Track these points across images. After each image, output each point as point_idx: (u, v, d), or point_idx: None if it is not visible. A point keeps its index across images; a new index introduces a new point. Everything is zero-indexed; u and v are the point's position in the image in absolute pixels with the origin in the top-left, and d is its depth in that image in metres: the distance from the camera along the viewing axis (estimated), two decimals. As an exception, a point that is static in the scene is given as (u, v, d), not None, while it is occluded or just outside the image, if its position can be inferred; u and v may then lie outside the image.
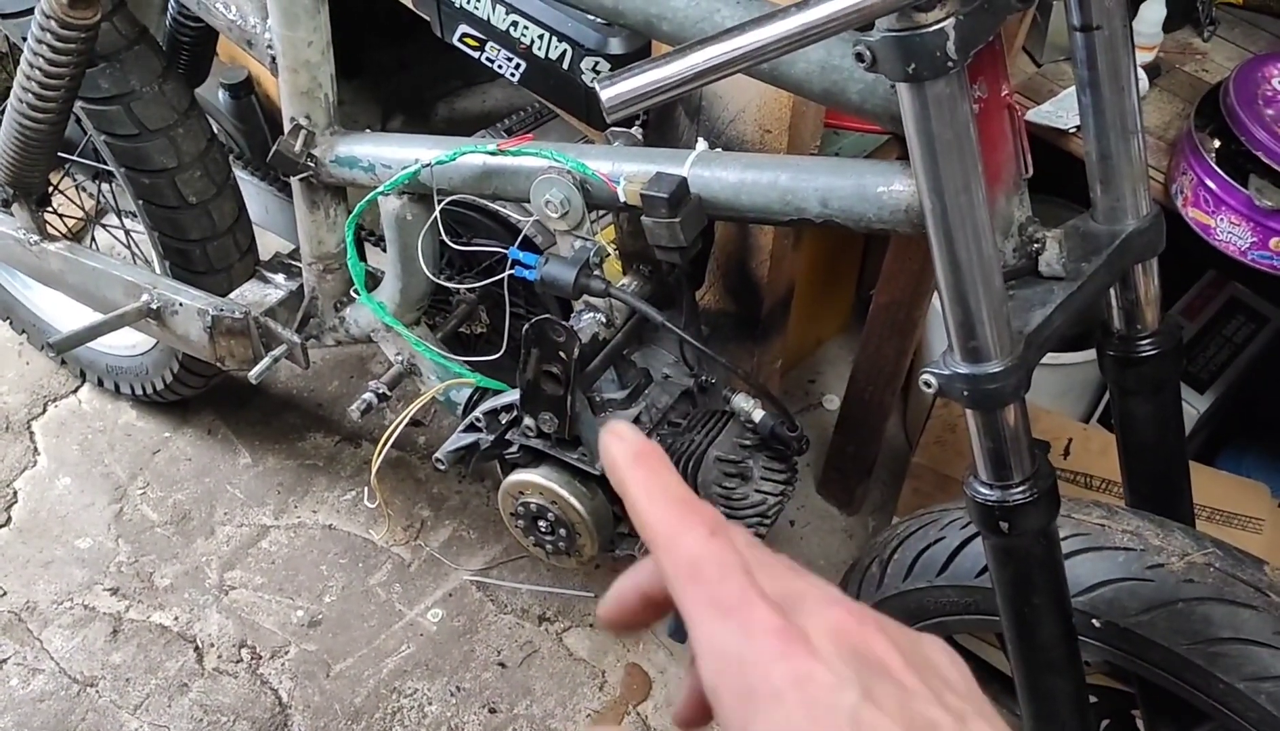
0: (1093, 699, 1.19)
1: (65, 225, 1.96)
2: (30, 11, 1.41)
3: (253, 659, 1.77)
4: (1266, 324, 1.80)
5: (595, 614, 1.83)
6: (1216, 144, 1.23)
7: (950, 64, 0.75)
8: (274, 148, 1.34)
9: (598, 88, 0.73)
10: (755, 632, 0.38)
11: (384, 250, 1.52)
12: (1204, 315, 1.80)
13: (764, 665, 0.37)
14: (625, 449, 0.42)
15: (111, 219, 1.98)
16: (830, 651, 0.38)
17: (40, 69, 1.40)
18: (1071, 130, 1.31)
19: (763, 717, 0.37)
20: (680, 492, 0.41)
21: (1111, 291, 1.03)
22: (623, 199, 1.09)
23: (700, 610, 0.39)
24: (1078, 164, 1.30)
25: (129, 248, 1.96)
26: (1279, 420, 1.76)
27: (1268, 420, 1.77)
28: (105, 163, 1.61)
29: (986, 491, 0.93)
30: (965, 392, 0.88)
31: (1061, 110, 1.33)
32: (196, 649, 1.78)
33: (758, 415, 1.25)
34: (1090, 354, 1.72)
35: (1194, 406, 1.73)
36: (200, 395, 2.03)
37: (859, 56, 0.77)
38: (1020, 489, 0.92)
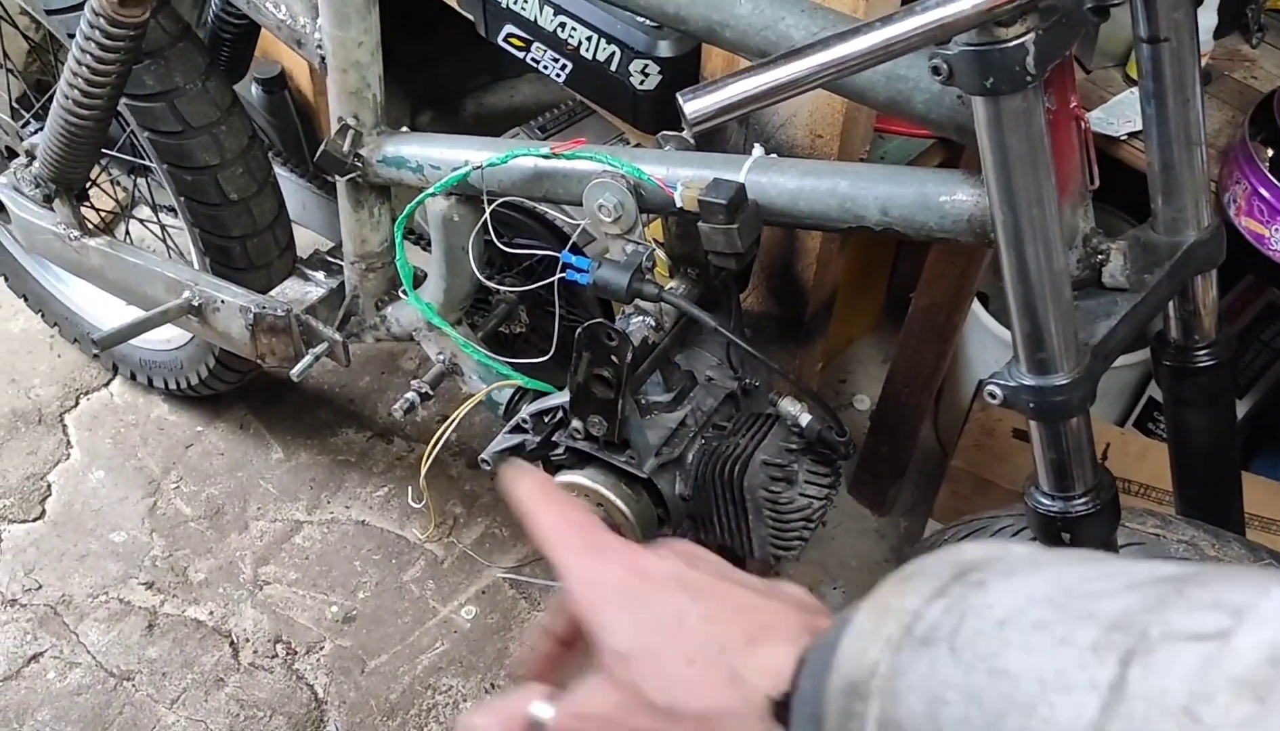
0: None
1: (98, 217, 1.97)
2: (77, 8, 1.41)
3: (288, 654, 1.78)
4: (1305, 329, 1.80)
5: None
6: (1270, 153, 1.22)
7: (1029, 79, 0.75)
8: (321, 147, 1.34)
9: (680, 100, 0.74)
10: (608, 554, 0.52)
11: (424, 249, 1.52)
12: (1242, 320, 1.80)
13: (613, 569, 0.51)
14: (515, 475, 0.58)
15: (142, 211, 1.99)
16: (665, 553, 0.53)
17: (88, 65, 1.40)
18: (1123, 137, 1.31)
19: (612, 604, 0.50)
20: (552, 492, 0.56)
21: (1170, 302, 1.03)
22: (679, 204, 1.09)
23: (568, 556, 0.53)
24: (1126, 171, 1.30)
25: (164, 242, 1.96)
26: (1317, 426, 1.76)
27: (1305, 426, 1.77)
28: (142, 157, 1.61)
29: (1048, 502, 0.93)
30: (1031, 404, 0.88)
31: (1112, 117, 1.33)
32: (232, 644, 1.79)
33: (804, 419, 1.24)
34: (1127, 358, 1.72)
35: (1232, 411, 1.72)
36: (232, 389, 2.04)
37: (935, 70, 0.77)
38: (1083, 500, 0.92)
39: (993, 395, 0.89)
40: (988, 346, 1.84)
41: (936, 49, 0.76)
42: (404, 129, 1.38)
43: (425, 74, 2.63)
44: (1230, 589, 0.35)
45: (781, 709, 0.44)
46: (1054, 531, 0.93)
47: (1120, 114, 1.33)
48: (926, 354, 1.68)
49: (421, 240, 1.65)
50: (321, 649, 1.78)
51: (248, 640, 1.79)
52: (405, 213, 1.30)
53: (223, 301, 1.57)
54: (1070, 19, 0.76)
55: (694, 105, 0.73)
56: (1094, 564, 0.40)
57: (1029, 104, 0.77)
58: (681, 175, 1.11)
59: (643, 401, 1.30)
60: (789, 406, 1.26)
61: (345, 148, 1.33)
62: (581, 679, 0.53)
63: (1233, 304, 1.81)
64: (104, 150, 1.72)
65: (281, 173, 1.82)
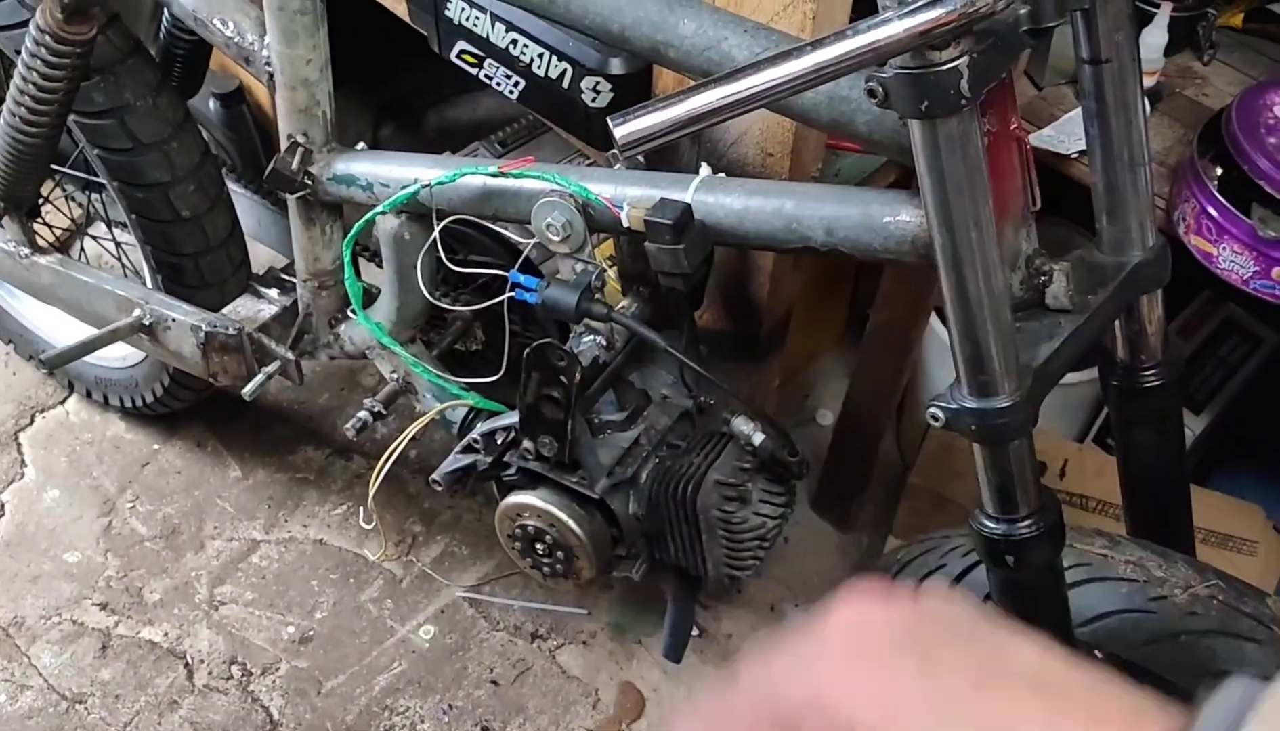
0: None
1: (52, 234, 1.95)
2: (25, 24, 1.40)
3: (243, 675, 1.75)
4: (1261, 344, 1.80)
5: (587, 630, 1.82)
6: (1219, 171, 1.23)
7: (963, 102, 0.74)
8: (271, 165, 1.32)
9: (610, 124, 0.73)
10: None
11: (378, 265, 1.51)
12: (1199, 335, 1.81)
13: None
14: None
15: (99, 228, 1.96)
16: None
17: (34, 83, 1.39)
18: (1074, 155, 1.31)
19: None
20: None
21: (1116, 322, 1.03)
22: (626, 224, 1.08)
23: None
24: (1078, 185, 1.31)
25: (118, 258, 1.94)
26: (1274, 441, 1.76)
27: (1263, 441, 1.78)
28: (96, 174, 1.60)
29: (993, 525, 0.93)
30: (973, 427, 0.88)
31: (1063, 135, 1.33)
32: (186, 665, 1.76)
33: (758, 438, 1.24)
34: (1086, 374, 1.72)
35: (1189, 427, 1.73)
36: (189, 407, 2.01)
37: (871, 92, 0.76)
38: (1026, 523, 0.92)
39: (935, 417, 0.89)
40: (947, 362, 1.83)
41: (872, 72, 0.75)
42: (360, 145, 1.37)
43: (387, 87, 2.62)
44: None
45: None
46: (999, 554, 0.93)
47: (1071, 131, 1.33)
48: (885, 370, 1.68)
49: (377, 257, 1.64)
50: (277, 670, 1.76)
51: (203, 661, 1.77)
52: (354, 231, 1.29)
53: (174, 320, 1.55)
54: (1006, 42, 0.76)
55: (624, 129, 0.72)
56: None
57: (965, 127, 0.77)
58: (629, 194, 1.10)
59: (595, 420, 1.29)
60: (742, 425, 1.25)
61: (295, 165, 1.32)
62: None
63: (1190, 319, 1.82)
64: (56, 167, 1.71)
65: (236, 189, 1.81)
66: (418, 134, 2.60)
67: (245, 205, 1.81)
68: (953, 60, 0.73)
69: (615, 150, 1.22)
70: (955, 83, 0.73)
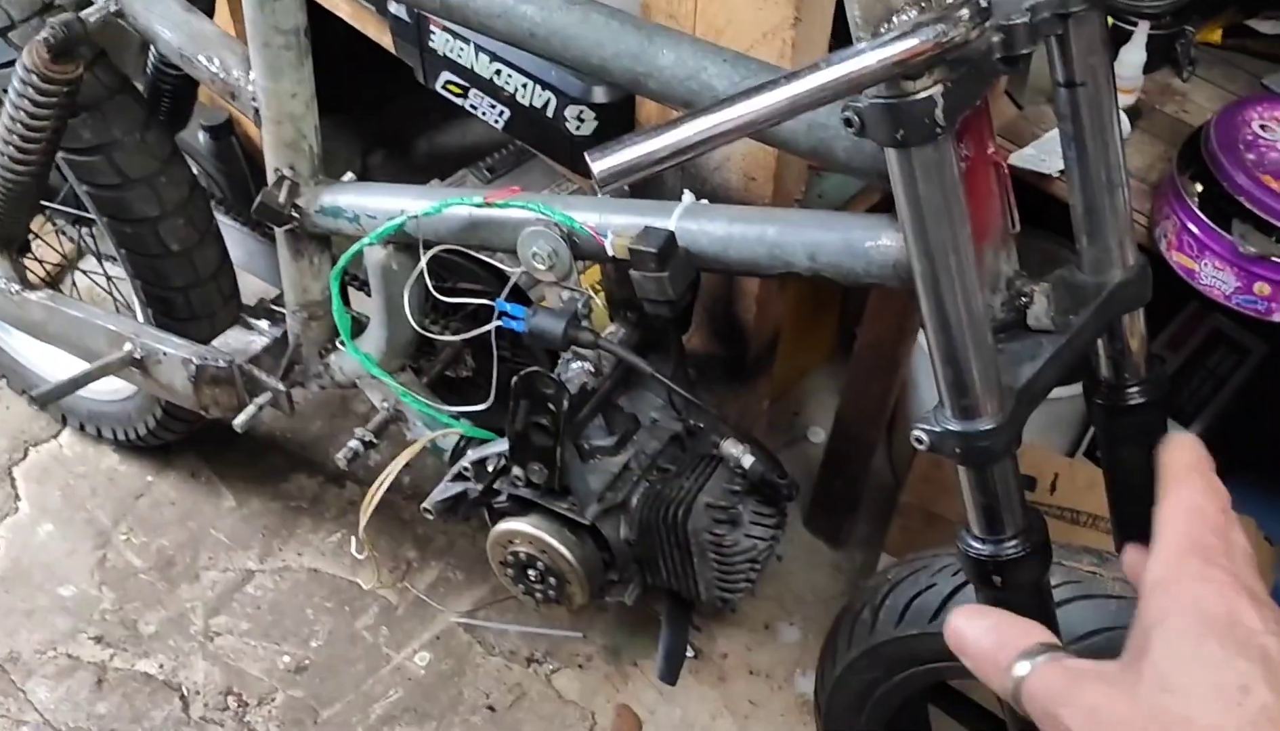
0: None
1: (43, 270, 1.96)
2: (11, 64, 1.40)
3: (239, 706, 1.75)
4: (1249, 356, 1.81)
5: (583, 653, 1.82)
6: (1199, 188, 1.24)
7: (938, 130, 0.75)
8: (258, 199, 1.33)
9: (589, 159, 0.73)
10: (1225, 587, 0.53)
11: (368, 295, 1.52)
12: (1187, 348, 1.81)
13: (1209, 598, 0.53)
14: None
15: (90, 262, 1.97)
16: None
17: (22, 122, 1.39)
18: (1055, 174, 1.32)
19: (1195, 623, 0.52)
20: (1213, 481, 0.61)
21: (1099, 341, 1.03)
22: (611, 252, 1.09)
23: (1184, 553, 0.56)
24: (1061, 200, 1.32)
25: (109, 292, 1.95)
26: (1264, 453, 1.76)
27: (1253, 452, 1.78)
28: (86, 210, 1.60)
29: (979, 546, 0.93)
30: (957, 450, 0.88)
31: (1044, 153, 1.34)
32: (182, 697, 1.76)
33: (747, 461, 1.25)
34: (1075, 388, 1.72)
35: (1178, 439, 1.73)
36: (182, 438, 2.02)
37: (847, 122, 0.77)
38: (1012, 543, 0.92)
39: (919, 441, 0.89)
40: (937, 378, 1.85)
41: (849, 101, 0.76)
42: (348, 174, 1.37)
43: (377, 115, 2.63)
44: None
45: None
46: (986, 575, 0.93)
47: (1052, 150, 1.34)
48: (874, 389, 1.69)
49: (367, 286, 1.64)
50: (273, 700, 1.76)
51: (198, 693, 1.77)
52: (341, 262, 1.30)
53: (165, 353, 1.56)
54: (980, 70, 0.76)
55: (601, 165, 0.73)
56: None
57: (940, 154, 0.77)
58: (613, 223, 1.11)
59: (585, 446, 1.29)
60: (731, 448, 1.26)
61: (282, 198, 1.33)
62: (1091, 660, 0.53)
63: (1177, 332, 1.83)
64: (45, 203, 1.71)
65: (225, 221, 1.81)
66: (407, 161, 2.61)
67: (235, 237, 1.82)
68: (927, 89, 0.73)
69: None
70: (930, 111, 0.74)
